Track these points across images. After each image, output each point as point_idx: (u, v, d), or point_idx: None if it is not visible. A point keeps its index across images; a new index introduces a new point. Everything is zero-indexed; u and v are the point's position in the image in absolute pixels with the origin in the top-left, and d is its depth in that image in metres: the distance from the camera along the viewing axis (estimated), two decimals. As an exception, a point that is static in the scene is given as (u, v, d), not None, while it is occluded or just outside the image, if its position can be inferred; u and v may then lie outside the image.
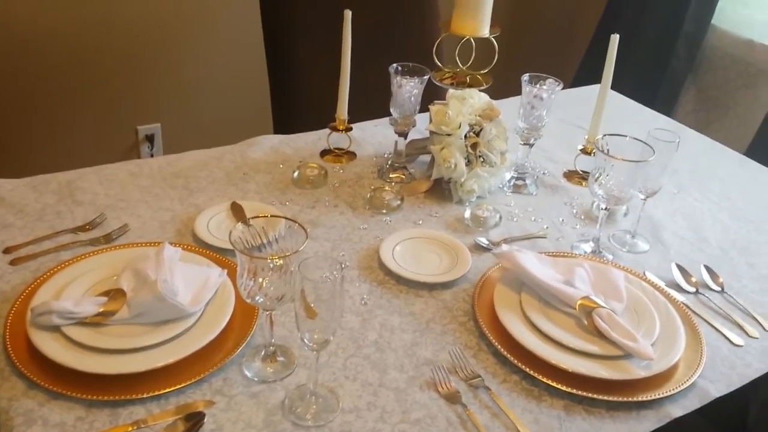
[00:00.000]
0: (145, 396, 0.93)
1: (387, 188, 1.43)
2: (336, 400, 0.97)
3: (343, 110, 1.52)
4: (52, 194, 1.33)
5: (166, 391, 0.94)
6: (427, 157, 1.54)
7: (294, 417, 0.94)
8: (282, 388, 0.98)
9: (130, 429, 0.90)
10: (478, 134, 1.42)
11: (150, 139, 2.64)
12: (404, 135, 1.50)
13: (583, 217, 1.45)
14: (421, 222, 1.38)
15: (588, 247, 1.34)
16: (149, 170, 1.44)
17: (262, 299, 0.94)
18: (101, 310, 1.00)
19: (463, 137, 1.40)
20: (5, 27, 2.23)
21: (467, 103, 1.42)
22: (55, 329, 0.98)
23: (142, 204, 1.34)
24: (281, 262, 0.90)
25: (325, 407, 0.96)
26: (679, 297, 1.23)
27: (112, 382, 0.93)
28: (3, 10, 2.20)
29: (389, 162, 1.54)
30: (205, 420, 0.91)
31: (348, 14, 1.44)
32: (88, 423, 0.90)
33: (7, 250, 1.17)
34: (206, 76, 2.64)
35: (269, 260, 0.91)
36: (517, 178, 1.53)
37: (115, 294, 1.03)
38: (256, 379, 0.99)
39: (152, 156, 2.65)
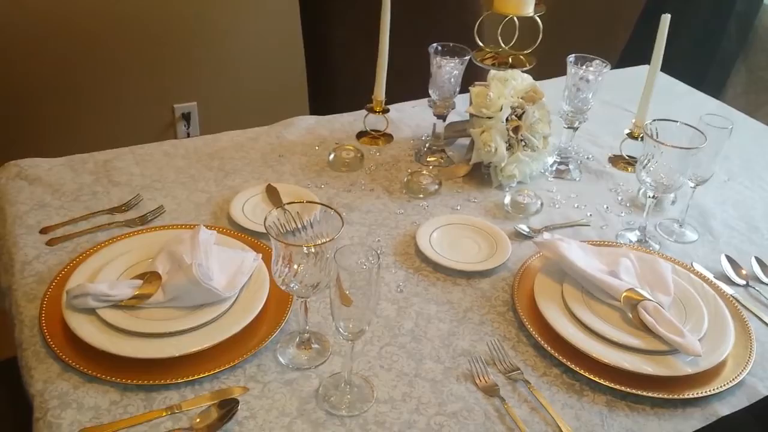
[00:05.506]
0: (179, 381, 0.92)
1: (424, 172, 1.40)
2: (371, 390, 0.95)
3: (380, 91, 1.49)
4: (89, 174, 1.33)
5: (200, 376, 0.93)
6: (466, 141, 1.50)
7: (328, 406, 0.92)
8: (316, 375, 0.97)
9: (164, 414, 0.89)
10: (520, 117, 1.37)
11: (186, 117, 2.65)
12: (443, 117, 1.46)
13: (628, 204, 1.40)
14: (459, 207, 1.35)
15: (633, 236, 1.29)
16: (185, 151, 1.43)
17: (297, 286, 0.92)
18: (136, 293, 1.00)
19: (504, 120, 1.35)
20: (43, 7, 2.23)
21: (509, 84, 1.38)
22: (91, 312, 0.97)
23: (177, 185, 1.33)
24: (316, 249, 0.88)
25: (360, 397, 0.94)
26: (729, 290, 1.18)
27: (147, 366, 0.93)
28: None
29: (427, 145, 1.50)
30: (239, 407, 0.90)
31: (387, -8, 1.40)
32: (122, 407, 0.89)
33: (43, 230, 1.17)
34: (243, 55, 2.63)
35: (304, 247, 0.89)
36: (560, 163, 1.48)
37: (151, 277, 1.02)
38: (290, 366, 0.98)
39: (188, 134, 2.65)
